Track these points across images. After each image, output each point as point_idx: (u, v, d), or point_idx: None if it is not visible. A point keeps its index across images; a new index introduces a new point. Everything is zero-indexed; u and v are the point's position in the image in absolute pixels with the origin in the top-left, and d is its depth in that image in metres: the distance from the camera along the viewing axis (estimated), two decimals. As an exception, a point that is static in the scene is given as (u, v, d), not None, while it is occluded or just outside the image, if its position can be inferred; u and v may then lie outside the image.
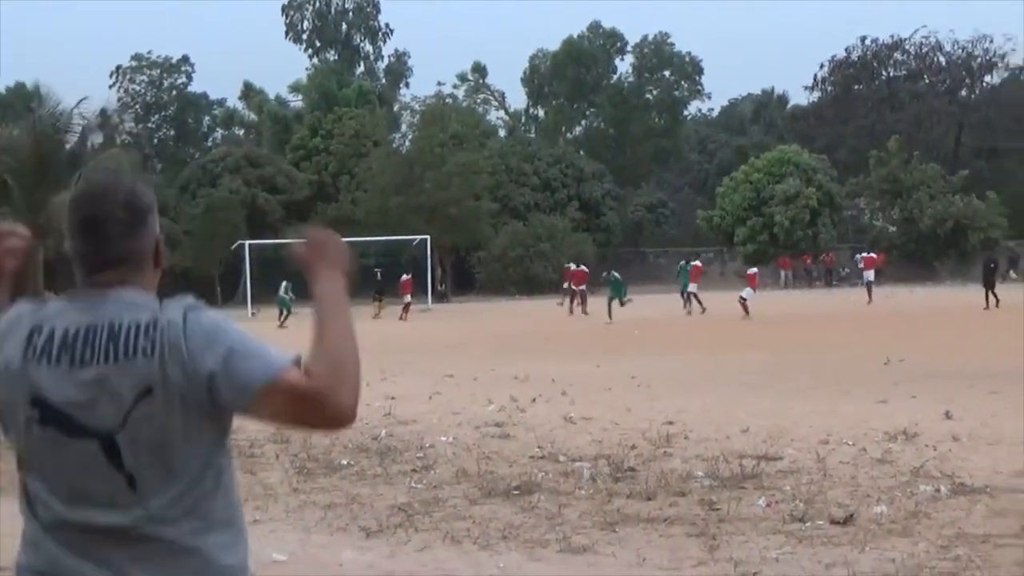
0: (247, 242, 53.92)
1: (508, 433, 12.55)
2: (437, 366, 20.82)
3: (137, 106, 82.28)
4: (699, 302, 37.93)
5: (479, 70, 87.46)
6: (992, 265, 37.94)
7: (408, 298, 42.68)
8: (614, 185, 72.17)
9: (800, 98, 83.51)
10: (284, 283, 44.64)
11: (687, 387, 16.69)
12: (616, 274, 40.37)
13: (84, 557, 2.36)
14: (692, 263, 41.32)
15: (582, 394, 15.95)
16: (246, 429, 11.36)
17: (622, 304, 37.78)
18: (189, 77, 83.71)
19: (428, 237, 52.61)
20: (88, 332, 2.35)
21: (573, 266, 44.71)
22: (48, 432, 2.36)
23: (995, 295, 35.80)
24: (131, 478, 2.34)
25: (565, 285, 49.19)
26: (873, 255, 49.26)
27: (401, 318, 40.33)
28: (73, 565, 2.37)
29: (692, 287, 39.00)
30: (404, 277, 43.50)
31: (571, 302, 41.84)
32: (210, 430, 2.38)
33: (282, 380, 2.30)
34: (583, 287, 42.07)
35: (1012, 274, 56.85)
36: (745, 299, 35.04)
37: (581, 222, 66.80)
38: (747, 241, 64.17)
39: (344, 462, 10.88)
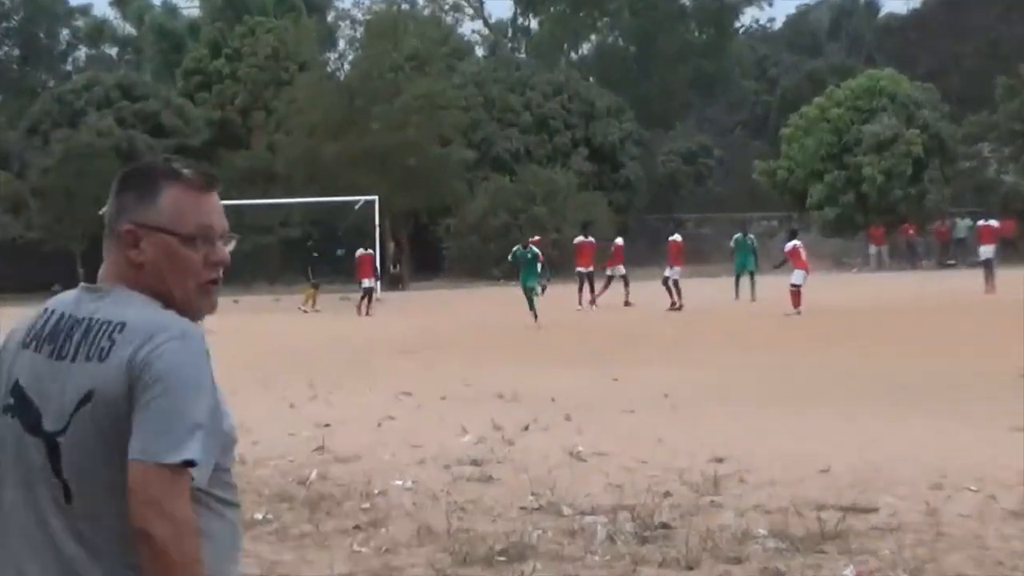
0: (122, 205, 53.87)
1: (490, 475, 12.52)
2: (389, 379, 20.80)
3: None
4: (672, 294, 37.76)
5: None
6: None
7: (368, 283, 41.89)
8: (637, 125, 72.26)
9: (895, 5, 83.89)
10: None
11: (741, 408, 16.68)
12: (535, 249, 37.37)
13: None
14: (671, 238, 40.50)
15: (594, 419, 15.93)
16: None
17: (536, 293, 36.85)
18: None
19: (376, 198, 52.54)
20: (73, 326, 3.02)
21: (590, 239, 43.65)
22: (12, 423, 3.00)
23: None
24: (67, 489, 2.91)
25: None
26: (993, 223, 47.07)
27: (360, 312, 40.08)
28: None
29: (668, 271, 38.74)
30: (361, 252, 42.89)
31: (599, 290, 41.05)
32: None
33: (150, 469, 2.82)
34: (619, 268, 41.55)
35: None
36: (798, 286, 34.29)
37: (592, 176, 66.89)
38: (824, 204, 64.33)
39: (259, 516, 10.83)
